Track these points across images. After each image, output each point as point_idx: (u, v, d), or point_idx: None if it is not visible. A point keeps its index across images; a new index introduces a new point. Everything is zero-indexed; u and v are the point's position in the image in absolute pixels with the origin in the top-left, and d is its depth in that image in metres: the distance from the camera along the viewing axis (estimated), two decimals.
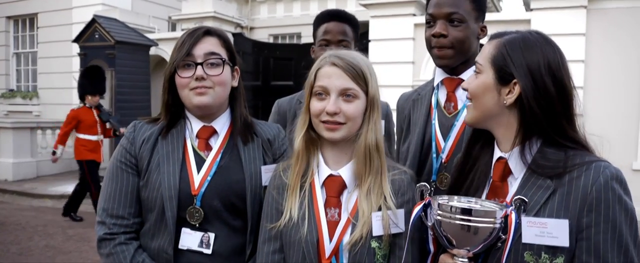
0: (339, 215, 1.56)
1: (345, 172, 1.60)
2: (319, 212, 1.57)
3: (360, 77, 1.56)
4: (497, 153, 1.47)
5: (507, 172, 1.44)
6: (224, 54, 1.78)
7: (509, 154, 1.44)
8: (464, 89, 1.50)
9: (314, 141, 1.65)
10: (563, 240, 1.29)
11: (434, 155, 1.99)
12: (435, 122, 2.01)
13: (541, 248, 1.31)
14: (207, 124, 1.82)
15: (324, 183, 1.61)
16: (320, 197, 1.59)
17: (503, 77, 1.41)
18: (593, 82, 7.67)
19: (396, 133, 2.33)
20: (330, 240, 1.54)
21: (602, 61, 7.71)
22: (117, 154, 1.81)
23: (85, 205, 8.90)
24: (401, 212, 1.55)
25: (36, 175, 11.20)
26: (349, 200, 1.57)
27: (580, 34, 7.67)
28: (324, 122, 1.57)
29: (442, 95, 2.06)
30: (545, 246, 1.31)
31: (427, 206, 1.42)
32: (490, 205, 1.37)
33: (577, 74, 7.63)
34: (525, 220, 1.32)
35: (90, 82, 7.80)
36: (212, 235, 1.72)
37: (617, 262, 1.28)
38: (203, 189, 1.72)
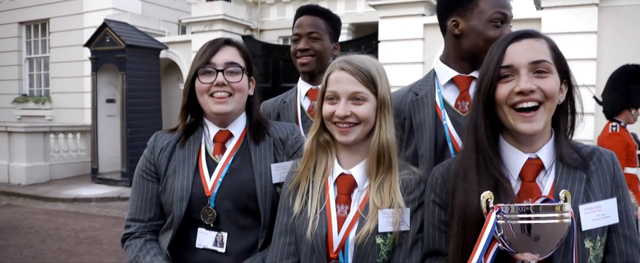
0: (348, 211, 1.63)
1: (357, 171, 1.67)
2: (330, 208, 1.64)
3: (369, 80, 1.63)
4: (522, 155, 1.47)
5: (539, 170, 1.46)
6: (242, 63, 1.89)
7: (539, 152, 1.46)
8: (531, 91, 1.40)
9: (328, 142, 1.73)
10: (614, 217, 1.40)
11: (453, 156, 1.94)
12: (448, 123, 1.95)
13: (597, 232, 1.39)
14: (223, 129, 1.92)
15: (336, 181, 1.69)
16: (332, 194, 1.67)
17: (562, 76, 1.47)
18: (605, 81, 7.60)
19: None
20: (338, 233, 1.61)
21: (614, 59, 7.61)
22: (140, 164, 1.95)
23: (98, 208, 8.97)
24: (407, 211, 1.61)
25: (49, 179, 11.31)
26: (359, 198, 1.64)
27: (591, 32, 7.60)
28: (335, 124, 1.65)
29: (451, 94, 2.00)
30: (600, 228, 1.39)
31: (498, 213, 1.33)
32: (548, 204, 1.33)
33: (588, 72, 7.59)
34: (582, 208, 1.38)
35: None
36: (225, 235, 1.82)
37: (634, 225, 1.45)
38: (215, 191, 1.82)
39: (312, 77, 2.54)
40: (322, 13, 2.57)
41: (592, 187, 1.42)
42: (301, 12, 2.57)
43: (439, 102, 1.99)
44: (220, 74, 1.82)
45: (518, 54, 1.43)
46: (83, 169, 11.92)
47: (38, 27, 14.86)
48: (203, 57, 1.84)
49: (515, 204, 1.30)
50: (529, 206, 1.27)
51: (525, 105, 1.39)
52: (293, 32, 2.55)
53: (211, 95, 1.83)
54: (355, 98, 1.62)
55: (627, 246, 1.42)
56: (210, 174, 1.85)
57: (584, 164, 1.43)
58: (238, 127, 1.94)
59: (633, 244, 1.42)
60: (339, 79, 1.63)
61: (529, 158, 1.46)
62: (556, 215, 1.26)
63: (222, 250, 1.81)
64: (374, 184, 1.62)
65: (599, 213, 1.38)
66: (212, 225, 1.82)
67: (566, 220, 1.27)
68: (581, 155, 1.45)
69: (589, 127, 7.52)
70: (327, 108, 1.66)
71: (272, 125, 2.01)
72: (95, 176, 11.21)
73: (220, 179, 1.83)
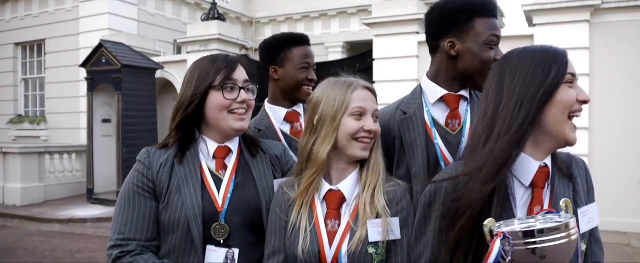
0: (339, 225, 1.67)
1: (346, 185, 1.71)
2: (319, 225, 1.67)
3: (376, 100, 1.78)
4: (535, 163, 1.44)
5: (547, 178, 1.45)
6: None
7: (547, 160, 1.46)
8: (584, 102, 1.40)
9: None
10: (597, 220, 1.47)
11: None
12: (438, 141, 1.96)
13: (585, 235, 1.45)
14: (222, 144, 1.88)
15: (324, 198, 1.71)
16: (320, 210, 1.70)
17: None
18: (598, 96, 7.67)
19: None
20: (330, 247, 1.64)
21: (606, 74, 7.72)
22: (132, 179, 1.82)
23: (94, 229, 8.91)
24: (396, 220, 1.65)
25: (44, 200, 11.21)
26: (349, 210, 1.68)
27: (584, 48, 7.70)
28: (358, 139, 1.69)
29: (440, 113, 2.01)
30: (588, 231, 1.45)
31: (503, 240, 1.25)
32: (553, 217, 1.30)
33: (582, 87, 7.66)
34: (580, 211, 1.43)
35: None
36: (236, 251, 1.77)
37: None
38: (226, 206, 1.79)
39: (294, 102, 2.53)
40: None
41: (578, 193, 1.48)
42: (302, 41, 2.55)
43: (428, 121, 2.00)
44: (243, 91, 1.83)
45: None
46: (78, 190, 11.85)
47: (34, 48, 14.89)
48: (223, 73, 1.80)
49: (519, 229, 1.24)
50: (533, 230, 1.20)
51: (578, 114, 1.42)
52: (299, 59, 2.49)
53: (230, 111, 1.81)
54: (375, 116, 1.73)
55: (596, 246, 1.52)
56: (218, 190, 1.81)
57: (570, 171, 1.49)
58: (234, 143, 1.91)
59: (599, 245, 1.53)
60: (365, 97, 1.72)
61: (542, 165, 1.44)
62: (563, 235, 1.20)
63: None
64: (361, 197, 1.68)
65: (589, 217, 1.44)
66: (222, 241, 1.77)
67: (574, 238, 1.21)
68: (565, 164, 1.50)
69: (583, 142, 7.57)
70: (354, 124, 1.68)
71: (264, 143, 2.01)
72: (91, 196, 11.15)
73: (229, 194, 1.81)
